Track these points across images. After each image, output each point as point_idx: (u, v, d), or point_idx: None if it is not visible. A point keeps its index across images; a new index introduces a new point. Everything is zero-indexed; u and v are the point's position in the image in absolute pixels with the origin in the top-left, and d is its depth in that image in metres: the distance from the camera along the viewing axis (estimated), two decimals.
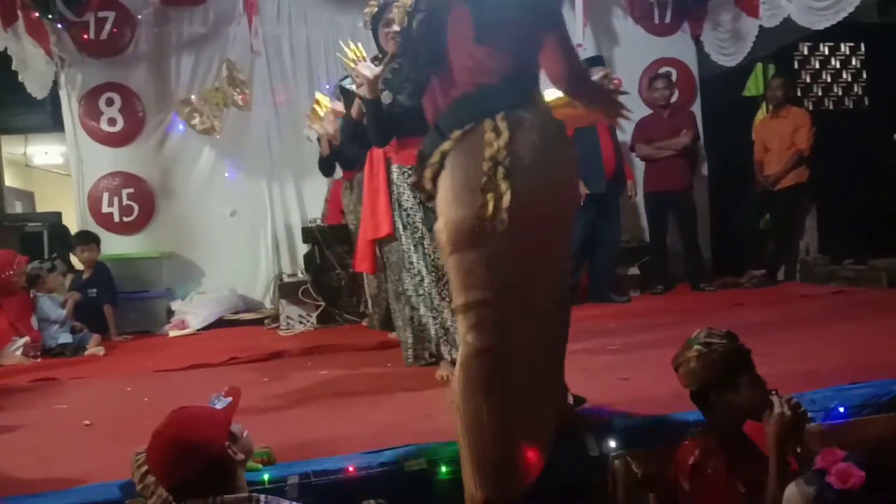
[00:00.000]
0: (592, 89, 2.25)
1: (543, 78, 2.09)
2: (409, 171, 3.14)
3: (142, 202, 6.23)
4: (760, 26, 5.80)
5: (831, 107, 7.07)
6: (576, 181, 2.17)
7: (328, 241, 5.46)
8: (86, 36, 6.02)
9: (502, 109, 1.93)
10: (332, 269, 5.46)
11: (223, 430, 1.58)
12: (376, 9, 3.33)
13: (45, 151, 9.03)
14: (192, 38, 6.30)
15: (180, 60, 6.28)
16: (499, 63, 1.97)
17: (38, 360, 4.69)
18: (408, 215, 3.14)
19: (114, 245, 6.06)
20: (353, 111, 3.48)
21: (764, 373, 1.90)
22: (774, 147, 5.90)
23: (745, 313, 4.45)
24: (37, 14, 5.45)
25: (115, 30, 6.09)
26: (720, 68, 6.59)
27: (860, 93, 7.13)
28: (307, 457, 2.05)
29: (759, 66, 6.94)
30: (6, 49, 5.17)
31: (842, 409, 2.17)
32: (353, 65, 3.18)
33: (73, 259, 6.01)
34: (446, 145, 1.97)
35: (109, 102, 6.17)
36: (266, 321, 5.77)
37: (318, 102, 4.59)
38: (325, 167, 5.35)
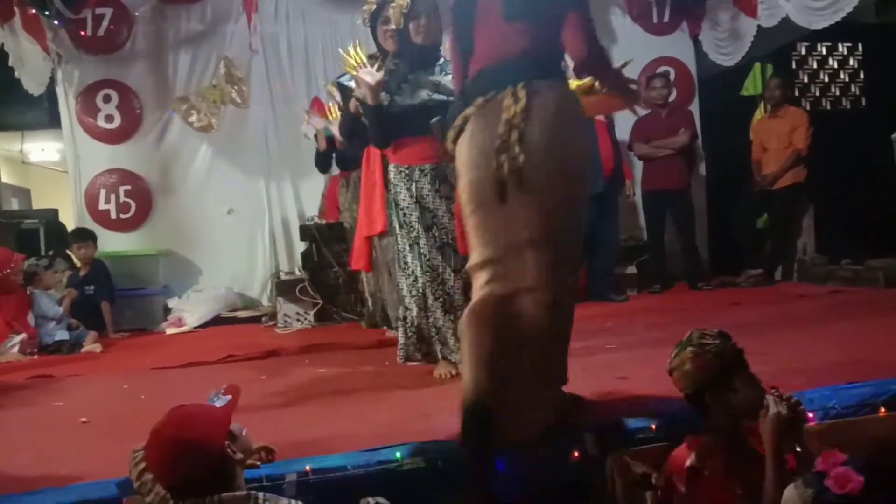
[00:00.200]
0: (613, 72, 2.32)
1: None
2: (406, 171, 3.14)
3: (139, 199, 6.22)
4: (759, 26, 5.80)
5: (829, 107, 7.08)
6: (588, 150, 2.26)
7: (326, 239, 5.45)
8: (83, 32, 6.02)
9: (524, 80, 2.06)
10: (329, 267, 5.45)
11: (222, 430, 1.57)
12: (375, 6, 3.33)
13: (41, 148, 9.01)
14: (189, 35, 6.29)
15: (178, 57, 6.28)
16: (524, 39, 2.11)
17: (35, 357, 4.68)
18: (404, 214, 3.13)
19: (111, 242, 6.05)
20: (352, 106, 3.48)
21: (761, 371, 1.90)
22: (772, 147, 5.90)
23: (742, 313, 4.45)
24: (33, 10, 5.43)
25: (112, 26, 6.09)
26: (718, 67, 6.60)
27: (857, 93, 7.14)
28: (305, 454, 2.04)
29: (758, 65, 6.95)
30: (2, 45, 5.16)
31: (839, 409, 2.18)
32: (354, 72, 3.18)
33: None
34: (469, 110, 2.12)
35: (107, 99, 6.17)
36: (263, 319, 5.77)
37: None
38: (322, 163, 5.34)
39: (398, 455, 2.01)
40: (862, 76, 7.12)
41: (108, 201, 6.18)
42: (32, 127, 7.80)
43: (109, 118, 6.18)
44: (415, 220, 3.11)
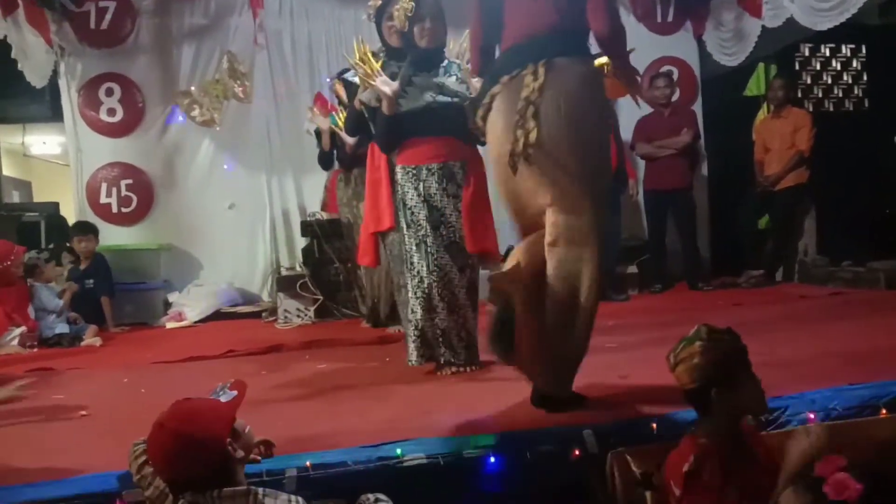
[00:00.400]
0: (625, 55, 2.42)
1: None
2: (414, 171, 3.13)
3: (140, 193, 6.22)
4: (763, 26, 5.79)
5: (831, 108, 7.06)
6: (606, 125, 2.45)
7: (327, 235, 5.44)
8: (87, 25, 6.00)
9: (546, 57, 2.20)
10: (330, 263, 5.44)
11: (226, 426, 1.56)
12: (380, 2, 3.33)
13: (43, 141, 9.00)
14: (193, 29, 6.29)
15: (181, 52, 6.27)
16: (551, 16, 2.24)
17: (35, 349, 4.68)
18: (412, 213, 3.13)
19: (111, 236, 6.04)
20: (356, 103, 3.47)
21: (763, 372, 1.90)
22: (775, 147, 5.89)
23: (743, 313, 4.45)
24: (37, 3, 5.43)
25: (115, 20, 6.07)
26: (722, 68, 6.58)
27: (860, 94, 7.12)
28: (306, 450, 2.04)
29: (761, 66, 6.93)
30: (6, 37, 5.14)
31: (841, 410, 2.17)
32: (361, 67, 3.16)
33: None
34: (496, 88, 2.28)
35: (109, 93, 6.16)
36: (263, 314, 5.77)
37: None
38: (325, 161, 5.34)
39: (399, 451, 2.01)
40: (865, 78, 7.10)
41: (109, 195, 6.17)
42: (34, 120, 7.79)
43: (112, 111, 6.17)
44: (423, 219, 3.10)
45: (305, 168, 6.20)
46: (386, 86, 3.05)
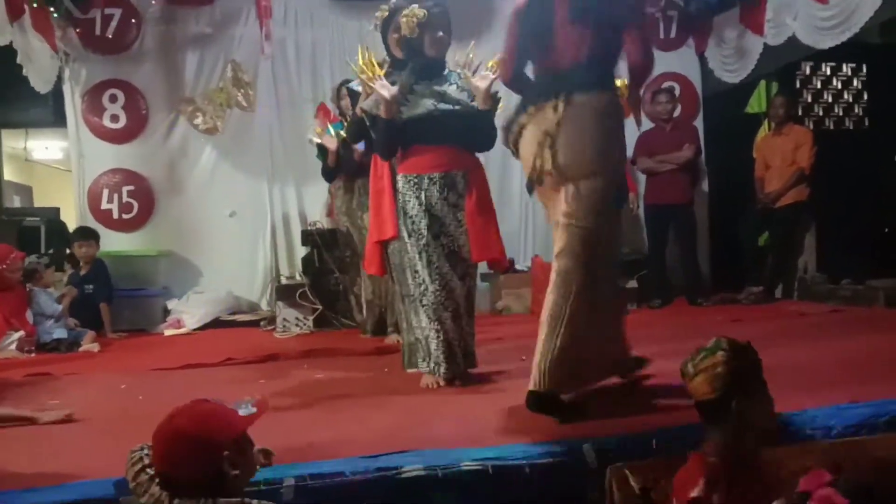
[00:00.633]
0: (643, 83, 2.75)
1: None
2: (416, 180, 3.14)
3: (141, 200, 6.22)
4: (765, 44, 5.82)
5: (832, 126, 7.08)
6: (616, 157, 2.59)
7: (327, 245, 5.44)
8: (92, 31, 6.03)
9: (566, 91, 2.42)
10: (330, 273, 5.44)
11: (230, 437, 1.56)
12: (387, 13, 3.35)
13: (45, 146, 9.00)
14: (197, 37, 6.30)
15: (185, 59, 6.29)
16: (580, 49, 2.46)
17: (33, 354, 4.66)
18: (413, 223, 3.13)
19: (112, 242, 6.04)
20: (358, 110, 3.49)
21: None
22: (775, 164, 5.91)
23: (743, 329, 4.43)
24: (43, 9, 5.45)
25: (121, 27, 6.09)
26: (723, 84, 6.61)
27: (861, 113, 7.14)
28: (304, 459, 2.03)
29: (763, 83, 6.95)
30: (11, 42, 5.16)
31: (840, 429, 2.17)
32: (367, 74, 3.18)
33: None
34: (523, 119, 2.55)
35: (113, 99, 6.18)
36: (262, 323, 5.76)
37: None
38: (328, 175, 5.34)
39: (397, 462, 2.00)
40: (865, 97, 7.13)
41: (110, 201, 6.17)
42: (37, 125, 7.79)
43: (115, 118, 6.18)
44: (423, 228, 3.10)
45: (307, 177, 6.20)
46: (385, 89, 3.06)
